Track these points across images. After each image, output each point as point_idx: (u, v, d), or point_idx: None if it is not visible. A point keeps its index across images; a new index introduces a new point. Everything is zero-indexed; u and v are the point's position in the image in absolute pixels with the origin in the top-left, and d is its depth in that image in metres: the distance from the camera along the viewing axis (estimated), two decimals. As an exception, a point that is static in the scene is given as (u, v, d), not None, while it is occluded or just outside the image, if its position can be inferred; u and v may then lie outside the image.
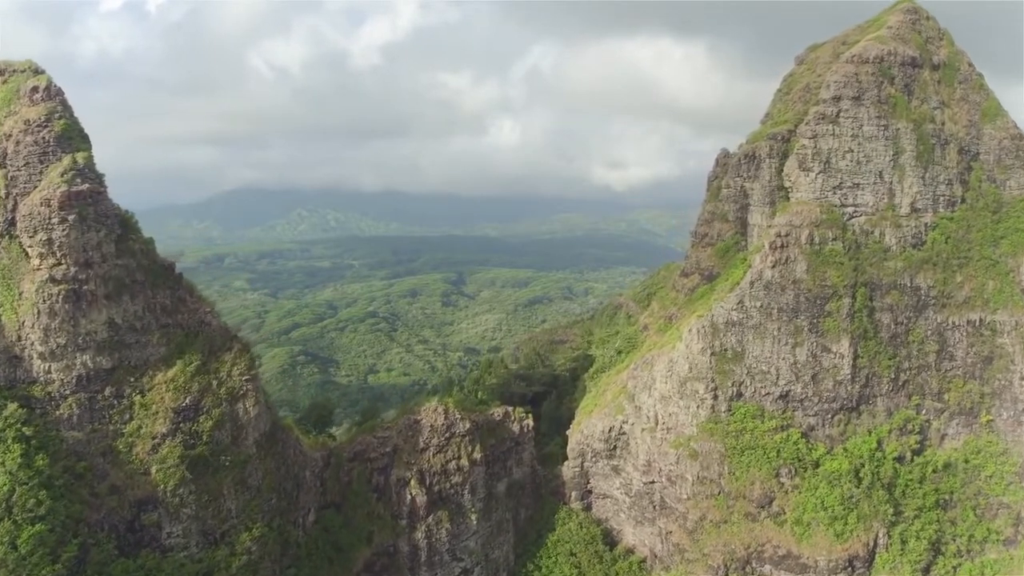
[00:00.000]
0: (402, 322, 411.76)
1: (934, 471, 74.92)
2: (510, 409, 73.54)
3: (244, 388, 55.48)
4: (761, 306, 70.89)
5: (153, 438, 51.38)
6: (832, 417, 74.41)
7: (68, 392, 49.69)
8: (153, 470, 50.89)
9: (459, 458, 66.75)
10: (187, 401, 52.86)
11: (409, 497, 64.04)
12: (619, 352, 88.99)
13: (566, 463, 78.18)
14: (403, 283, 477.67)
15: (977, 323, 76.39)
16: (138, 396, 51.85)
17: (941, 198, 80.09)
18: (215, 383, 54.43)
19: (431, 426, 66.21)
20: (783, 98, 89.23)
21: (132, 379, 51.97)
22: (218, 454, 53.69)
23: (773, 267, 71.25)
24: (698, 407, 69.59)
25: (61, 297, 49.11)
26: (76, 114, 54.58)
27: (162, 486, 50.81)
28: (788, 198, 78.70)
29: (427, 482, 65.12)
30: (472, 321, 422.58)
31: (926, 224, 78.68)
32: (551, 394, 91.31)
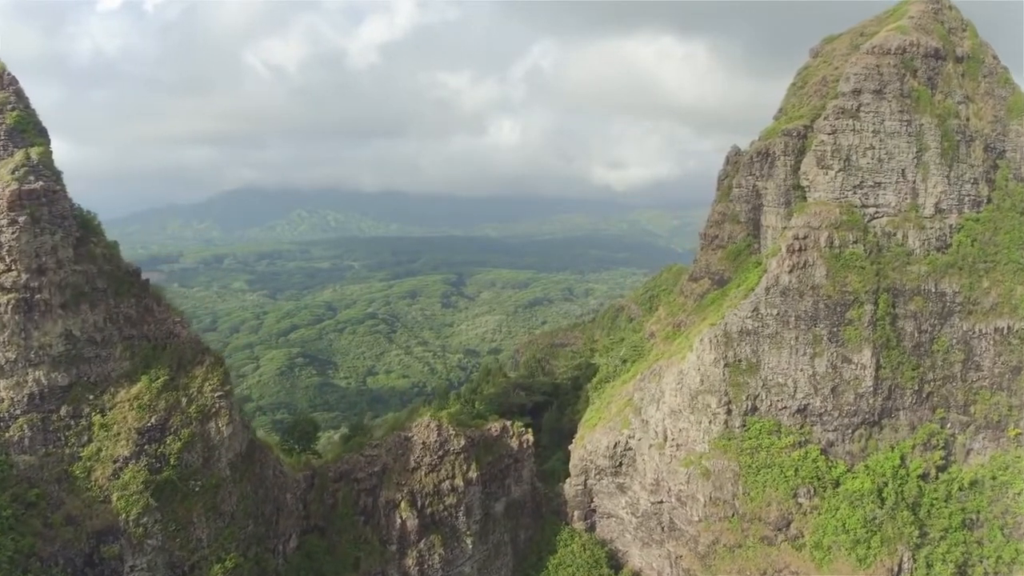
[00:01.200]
0: (401, 323, 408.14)
1: (960, 489, 70.40)
2: (508, 423, 68.76)
3: (216, 405, 50.72)
4: (778, 314, 66.12)
5: (114, 462, 46.60)
6: (853, 432, 69.69)
7: (19, 412, 44.93)
8: (114, 497, 46.10)
9: (453, 477, 62.00)
10: (153, 420, 48.08)
11: (399, 520, 59.29)
12: (624, 361, 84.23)
13: (568, 480, 73.42)
14: (402, 284, 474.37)
15: (1005, 331, 71.70)
16: (98, 416, 47.07)
17: (967, 198, 75.37)
18: (184, 400, 49.66)
19: (423, 443, 61.46)
20: (797, 92, 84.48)
21: (91, 397, 47.20)
22: (187, 478, 48.92)
23: (790, 272, 66.49)
24: (710, 422, 64.82)
25: (11, 307, 44.36)
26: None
27: (124, 515, 46.03)
28: (805, 198, 73.94)
29: (419, 504, 60.37)
30: (472, 323, 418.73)
31: (951, 226, 73.97)
32: (552, 405, 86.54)
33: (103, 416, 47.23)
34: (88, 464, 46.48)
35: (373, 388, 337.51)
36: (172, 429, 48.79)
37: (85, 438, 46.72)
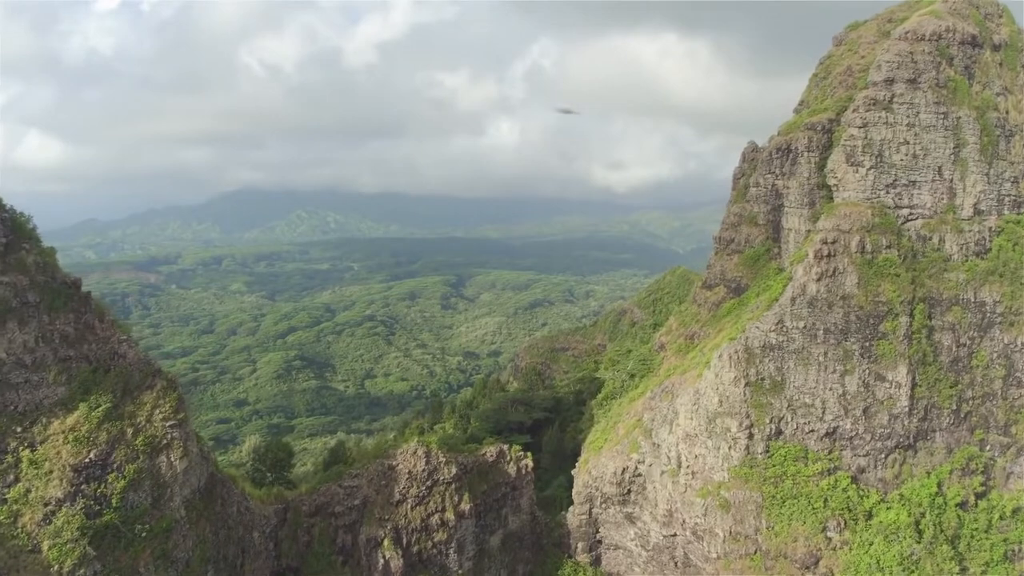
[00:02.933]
0: (400, 325, 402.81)
1: (1001, 518, 63.89)
2: (505, 447, 62.11)
3: (168, 436, 44.16)
4: (804, 327, 59.48)
5: (45, 504, 40.06)
6: (886, 457, 63.05)
7: (-69, 448, 38.47)
8: (45, 546, 39.57)
9: (443, 511, 55.39)
10: (92, 456, 41.53)
11: (382, 560, 52.72)
12: (632, 376, 77.52)
13: (571, 509, 66.78)
14: (402, 285, 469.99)
15: (1051, 344, 65.06)
16: (26, 451, 40.54)
17: (1006, 198, 68.75)
18: (130, 431, 43.11)
19: (409, 473, 54.87)
20: (820, 83, 77.79)
21: (18, 429, 40.67)
22: (133, 522, 42.36)
23: (818, 280, 59.85)
24: (730, 448, 58.18)
25: (-79, 326, 37.90)
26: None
27: (57, 566, 39.50)
28: (831, 198, 67.32)
29: (404, 541, 53.80)
30: (471, 324, 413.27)
31: (990, 228, 67.34)
32: (553, 422, 79.84)
33: (32, 451, 40.66)
34: (15, 508, 39.90)
35: (371, 391, 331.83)
36: (115, 465, 42.21)
37: (11, 477, 40.13)
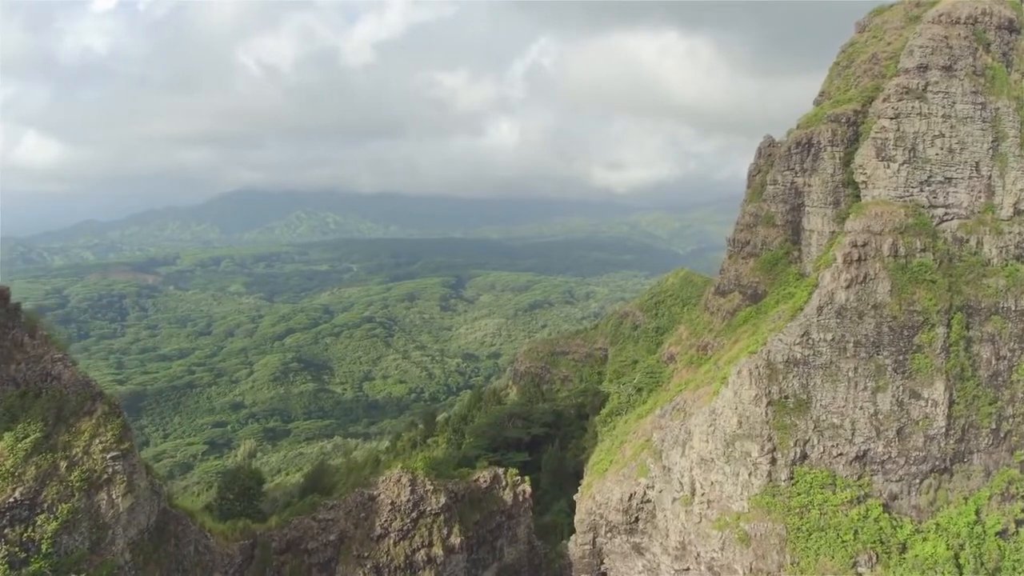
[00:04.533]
0: (399, 327, 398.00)
1: (1044, 547, 57.99)
2: (500, 471, 56.23)
3: (110, 470, 38.34)
4: (833, 339, 53.58)
5: (-39, 553, 34.26)
6: (920, 482, 57.14)
7: None
8: (-41, 602, 33.85)
9: (430, 545, 49.54)
10: (17, 494, 35.74)
11: (361, 602, 46.85)
12: (639, 390, 71.63)
13: (573, 538, 60.92)
14: (401, 286, 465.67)
15: (1098, 357, 59.20)
16: (-62, 490, 34.75)
17: (1049, 197, 62.83)
18: (64, 465, 37.30)
19: (392, 503, 49.03)
20: (842, 72, 71.87)
21: (-71, 465, 34.89)
22: (67, 569, 36.56)
23: (848, 287, 53.96)
24: (750, 475, 52.29)
25: None
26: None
27: (-27, 625, 33.76)
28: (858, 196, 61.47)
29: (386, 580, 47.89)
30: (471, 326, 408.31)
31: (1031, 230, 61.45)
32: (553, 439, 73.95)
33: (-55, 491, 34.88)
34: (-77, 557, 34.17)
35: (369, 394, 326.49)
36: (45, 504, 36.39)
37: (-81, 522, 34.38)
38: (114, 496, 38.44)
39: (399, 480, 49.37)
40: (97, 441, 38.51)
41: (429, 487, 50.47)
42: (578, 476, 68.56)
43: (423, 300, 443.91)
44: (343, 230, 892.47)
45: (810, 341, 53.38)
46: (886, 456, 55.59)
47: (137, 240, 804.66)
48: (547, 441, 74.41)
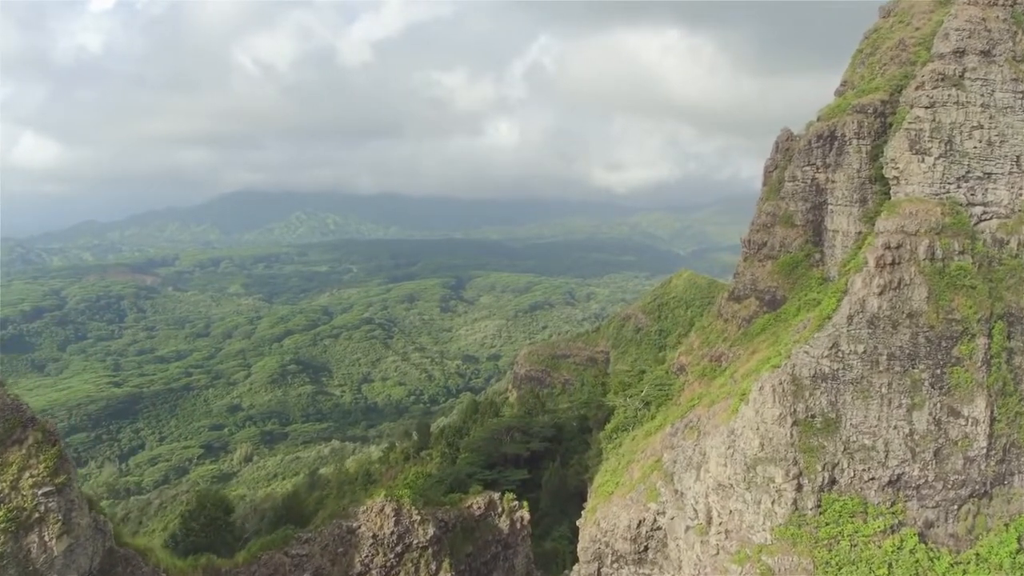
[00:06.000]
0: (399, 328, 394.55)
1: (1090, 577, 52.69)
2: (496, 497, 51.01)
3: (42, 507, 33.18)
4: (864, 351, 48.35)
5: None
6: (959, 508, 51.83)
7: None
8: None
9: (417, 582, 44.33)
10: (-71, 539, 30.60)
11: (338, 648, 41.72)
12: (647, 404, 66.42)
13: (576, 568, 55.71)
14: (401, 288, 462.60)
15: None
16: None
17: (1093, 194, 57.55)
18: (-13, 503, 32.16)
19: (374, 536, 43.86)
20: (866, 60, 66.62)
21: None
22: (-11, 625, 31.47)
23: (881, 294, 48.74)
24: (773, 502, 47.07)
25: None
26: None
27: None
28: (886, 193, 56.27)
29: (367, 622, 42.76)
30: (471, 327, 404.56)
31: (1076, 230, 56.16)
32: (554, 455, 68.77)
33: None
34: None
35: (368, 396, 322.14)
36: (-37, 550, 31.26)
37: None
38: (47, 537, 33.29)
39: (382, 510, 44.20)
40: (27, 475, 33.33)
41: (416, 517, 45.31)
42: (581, 496, 63.41)
43: (423, 301, 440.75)
44: (343, 231, 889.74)
45: (839, 354, 48.15)
46: (922, 480, 50.31)
47: (137, 241, 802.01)
48: (547, 457, 69.27)
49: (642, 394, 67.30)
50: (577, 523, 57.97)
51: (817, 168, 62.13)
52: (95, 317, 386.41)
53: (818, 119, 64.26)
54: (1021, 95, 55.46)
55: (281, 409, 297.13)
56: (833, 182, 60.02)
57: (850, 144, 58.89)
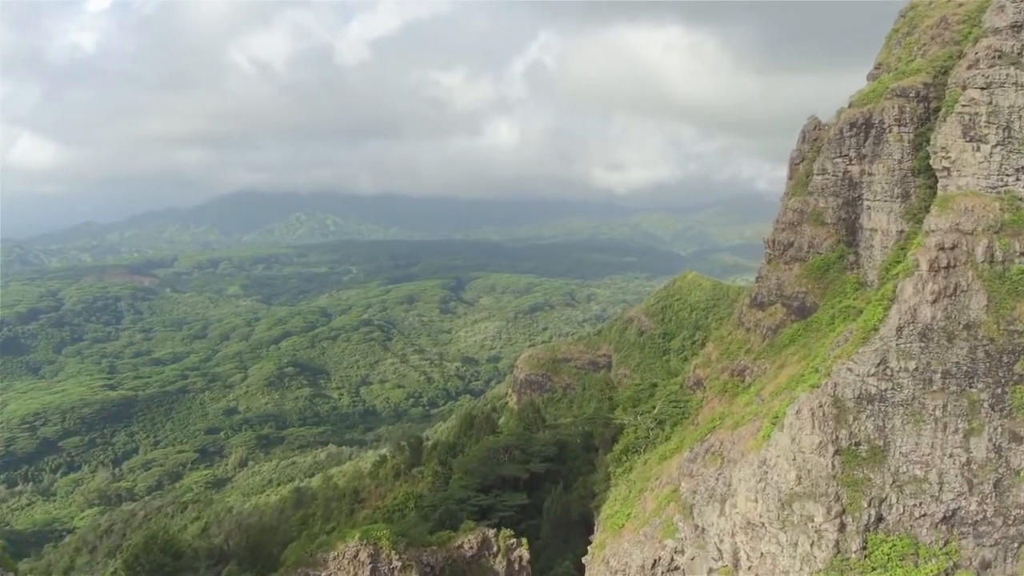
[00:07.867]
0: (398, 330, 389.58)
1: None
2: (491, 534, 44.55)
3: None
4: (917, 368, 41.85)
5: None
6: (1019, 547, 45.32)
7: None
8: None
9: (398, 639, 37.88)
10: None
11: None
12: (660, 423, 59.79)
13: (582, 612, 49.22)
14: (400, 289, 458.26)
15: None
16: None
17: None
18: None
19: (347, 586, 37.36)
20: (903, 40, 60.08)
21: None
22: None
23: (935, 302, 42.24)
24: (812, 545, 40.58)
25: None
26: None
27: None
28: (932, 187, 49.80)
29: None
30: (471, 329, 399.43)
31: None
32: (557, 478, 62.24)
33: None
34: None
35: (366, 399, 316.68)
36: None
37: None
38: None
39: (355, 557, 37.74)
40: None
41: (396, 563, 38.88)
42: (586, 525, 56.94)
43: (422, 303, 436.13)
44: (343, 232, 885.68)
45: (888, 371, 41.64)
46: (980, 516, 43.74)
47: (136, 242, 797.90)
48: (549, 479, 62.82)
49: (655, 411, 60.36)
50: (583, 559, 51.50)
51: (850, 160, 55.70)
52: (92, 319, 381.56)
53: (850, 105, 57.78)
54: (1084, 76, 48.99)
55: (278, 412, 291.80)
56: (870, 175, 53.61)
57: (890, 132, 52.46)
